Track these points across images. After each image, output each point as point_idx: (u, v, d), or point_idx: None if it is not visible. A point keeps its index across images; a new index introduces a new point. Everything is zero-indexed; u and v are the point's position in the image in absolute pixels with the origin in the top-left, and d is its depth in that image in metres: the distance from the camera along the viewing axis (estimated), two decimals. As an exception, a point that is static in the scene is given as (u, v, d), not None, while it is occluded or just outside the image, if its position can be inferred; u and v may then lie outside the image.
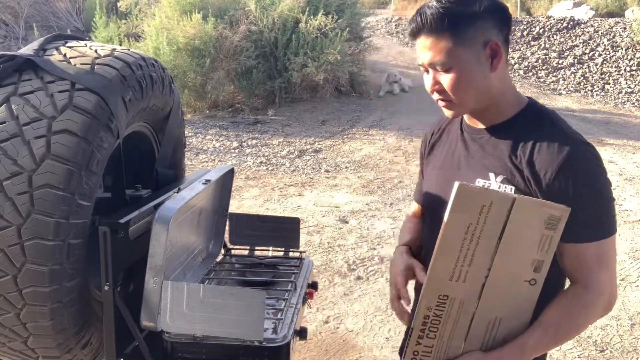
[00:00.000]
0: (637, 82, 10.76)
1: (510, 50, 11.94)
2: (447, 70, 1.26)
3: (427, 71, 1.31)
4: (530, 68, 11.66)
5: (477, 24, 1.24)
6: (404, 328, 1.70)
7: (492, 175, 1.30)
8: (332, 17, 8.44)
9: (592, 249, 1.24)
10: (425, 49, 1.27)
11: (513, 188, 1.26)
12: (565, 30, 12.37)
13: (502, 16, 1.27)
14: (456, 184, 1.19)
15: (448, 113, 1.34)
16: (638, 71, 11.02)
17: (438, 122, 1.55)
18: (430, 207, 1.46)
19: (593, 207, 1.23)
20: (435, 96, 1.32)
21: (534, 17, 13.46)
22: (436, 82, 1.29)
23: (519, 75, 11.47)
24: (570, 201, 1.20)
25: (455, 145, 1.42)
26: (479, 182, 1.30)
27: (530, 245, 1.21)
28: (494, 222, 1.19)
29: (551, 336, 1.26)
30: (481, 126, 1.36)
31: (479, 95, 1.30)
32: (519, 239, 1.20)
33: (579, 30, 12.32)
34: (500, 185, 1.27)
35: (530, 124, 1.30)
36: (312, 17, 8.39)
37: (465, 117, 1.41)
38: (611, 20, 12.57)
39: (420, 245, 1.53)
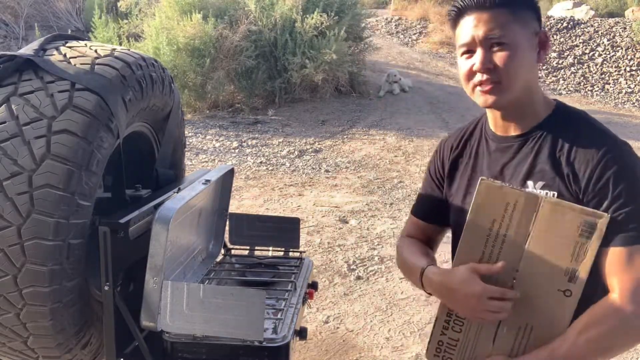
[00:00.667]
0: (637, 82, 10.76)
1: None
2: (502, 47, 1.21)
3: (473, 51, 1.24)
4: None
5: (531, 10, 1.24)
6: (403, 328, 1.69)
7: (530, 183, 1.25)
8: (331, 17, 8.43)
9: (631, 253, 1.15)
10: (480, 24, 1.22)
11: (555, 194, 1.21)
12: (565, 30, 12.36)
13: (539, 14, 1.28)
14: (480, 180, 1.17)
15: (489, 99, 1.25)
16: (638, 71, 11.02)
17: (454, 136, 1.47)
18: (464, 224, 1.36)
19: (636, 207, 1.15)
20: (477, 78, 1.24)
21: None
22: (489, 60, 1.22)
23: (519, 75, 11.46)
24: (612, 202, 1.15)
25: (482, 157, 1.36)
26: None
27: (562, 252, 1.16)
28: (520, 222, 1.16)
29: (582, 347, 1.16)
30: (512, 133, 1.31)
31: (525, 84, 1.25)
32: (548, 243, 1.16)
33: (579, 30, 12.32)
34: (540, 192, 1.22)
35: (564, 125, 1.26)
36: (308, 16, 8.39)
37: (491, 124, 1.35)
38: (611, 20, 12.57)
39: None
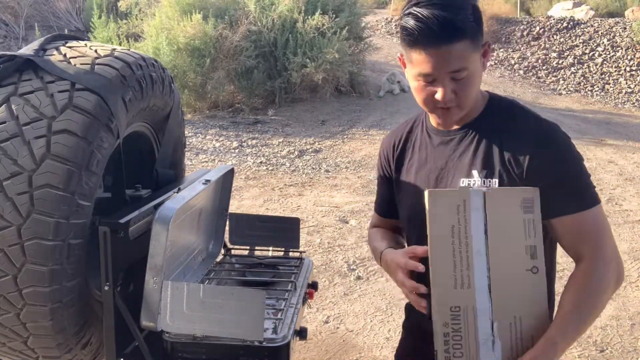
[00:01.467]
0: (637, 82, 10.76)
1: (510, 50, 11.93)
2: (463, 77, 1.25)
3: (433, 81, 1.26)
4: (530, 68, 11.66)
5: (481, 27, 1.27)
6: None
7: (475, 172, 1.31)
8: (332, 19, 8.43)
9: (588, 217, 1.27)
10: (442, 60, 1.22)
11: (496, 181, 1.28)
12: (565, 30, 12.36)
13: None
14: (426, 193, 1.21)
15: (448, 121, 1.34)
16: (638, 71, 11.02)
17: (394, 133, 1.53)
18: (417, 218, 1.38)
19: (579, 177, 1.28)
20: (440, 105, 1.28)
21: (534, 17, 13.46)
22: (453, 90, 1.26)
23: (519, 75, 11.47)
24: (555, 175, 1.25)
25: (426, 151, 1.42)
26: (464, 182, 1.31)
27: (517, 233, 1.21)
28: (475, 219, 1.20)
29: (575, 321, 1.24)
30: (454, 126, 1.37)
31: (476, 95, 1.34)
32: (504, 230, 1.21)
33: (579, 30, 12.32)
34: (484, 181, 1.29)
35: (500, 114, 1.35)
36: (309, 16, 8.39)
37: (432, 120, 1.40)
38: (611, 20, 12.57)
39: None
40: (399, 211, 1.51)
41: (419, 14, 1.21)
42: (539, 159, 1.26)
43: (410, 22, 1.22)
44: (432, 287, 1.21)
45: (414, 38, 1.22)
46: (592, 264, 1.26)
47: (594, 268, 1.26)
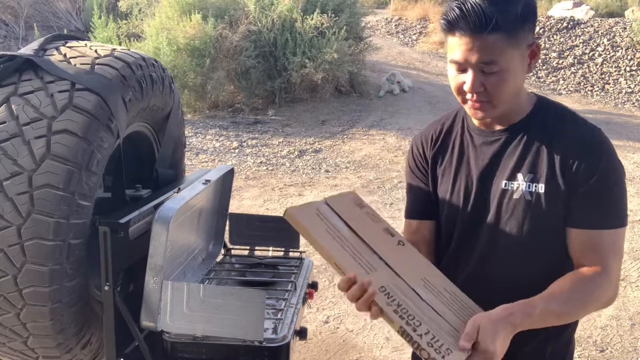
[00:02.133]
0: (637, 82, 10.76)
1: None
2: (494, 72, 1.22)
3: (464, 70, 1.24)
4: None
5: (527, 25, 1.22)
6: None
7: (520, 175, 1.29)
8: (332, 18, 8.43)
9: (609, 236, 1.25)
10: (473, 49, 1.20)
11: (543, 186, 1.27)
12: (565, 30, 12.36)
13: (536, 18, 1.28)
14: (285, 213, 1.28)
15: (479, 114, 1.28)
16: (638, 71, 11.02)
17: (428, 130, 1.47)
18: (458, 224, 1.38)
19: (614, 194, 1.25)
20: (468, 97, 1.26)
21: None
22: (480, 84, 1.23)
23: (519, 75, 11.45)
24: (589, 185, 1.24)
25: (467, 151, 1.37)
26: (507, 185, 1.30)
27: (369, 223, 1.34)
28: (334, 220, 1.30)
29: (560, 303, 1.22)
30: (497, 127, 1.33)
31: (514, 96, 1.28)
32: (359, 223, 1.31)
33: (579, 30, 12.32)
34: (529, 185, 1.28)
35: (550, 118, 1.31)
36: (308, 16, 8.39)
37: (473, 118, 1.36)
38: (611, 20, 12.57)
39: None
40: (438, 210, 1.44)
41: (460, 1, 1.21)
42: (586, 166, 1.25)
43: (451, 7, 1.23)
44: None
45: (449, 23, 1.23)
46: (598, 272, 1.24)
47: (599, 276, 1.24)
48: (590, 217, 1.25)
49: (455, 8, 1.20)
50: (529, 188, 1.27)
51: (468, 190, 1.36)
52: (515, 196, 1.29)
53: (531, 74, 11.37)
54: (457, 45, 1.22)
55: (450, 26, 1.22)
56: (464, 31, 1.20)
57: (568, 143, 1.26)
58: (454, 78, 1.28)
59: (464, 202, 1.37)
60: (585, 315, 1.33)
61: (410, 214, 1.50)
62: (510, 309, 1.17)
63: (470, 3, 1.19)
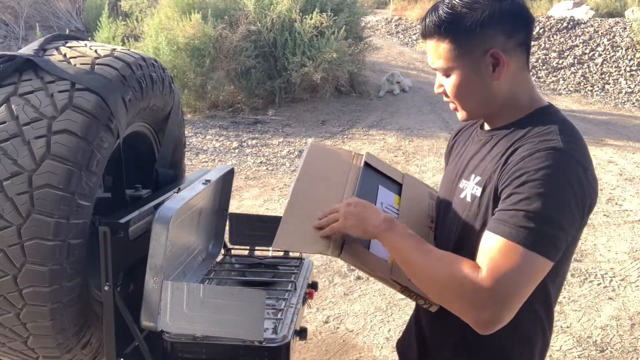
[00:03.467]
0: (637, 82, 10.76)
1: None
2: (447, 75, 1.28)
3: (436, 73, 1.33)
4: (530, 68, 11.66)
5: (480, 32, 1.21)
6: (403, 328, 1.70)
7: (472, 176, 1.31)
8: (330, 17, 8.43)
9: (505, 246, 1.12)
10: (430, 52, 1.29)
11: (480, 189, 1.25)
12: (565, 30, 12.36)
13: (514, 22, 1.23)
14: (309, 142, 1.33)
15: (458, 116, 1.34)
16: (638, 71, 11.02)
17: (461, 125, 1.54)
18: (438, 213, 1.49)
19: (533, 211, 1.11)
20: (445, 99, 1.33)
21: (534, 17, 13.46)
22: (440, 85, 1.31)
23: (519, 75, 11.46)
24: (512, 194, 1.14)
25: (467, 147, 1.43)
26: (463, 183, 1.33)
27: (424, 206, 1.53)
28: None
29: (419, 255, 1.18)
30: (487, 128, 1.37)
31: (482, 102, 1.28)
32: (415, 201, 1.55)
33: (579, 30, 12.32)
34: (473, 187, 1.28)
35: (524, 127, 1.25)
36: (307, 16, 8.39)
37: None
38: (611, 20, 12.57)
39: None
40: None
41: (433, 6, 1.28)
42: (518, 175, 1.15)
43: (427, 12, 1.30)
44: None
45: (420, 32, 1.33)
46: (473, 266, 1.14)
47: (471, 269, 1.13)
48: (493, 220, 1.16)
49: (424, 15, 1.29)
50: (472, 190, 1.28)
51: (445, 184, 1.44)
52: (462, 195, 1.32)
53: (531, 74, 11.37)
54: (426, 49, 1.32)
55: (420, 30, 1.33)
56: (423, 35, 1.29)
57: (522, 154, 1.17)
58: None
59: (442, 194, 1.45)
60: (433, 296, 1.20)
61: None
62: (381, 215, 1.25)
63: (433, 10, 1.26)
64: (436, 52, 1.26)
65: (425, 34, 1.28)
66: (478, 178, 1.27)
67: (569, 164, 1.15)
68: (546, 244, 1.11)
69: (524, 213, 1.11)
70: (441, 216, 1.45)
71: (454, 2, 1.23)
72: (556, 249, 1.13)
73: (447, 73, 1.27)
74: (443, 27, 1.23)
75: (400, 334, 1.68)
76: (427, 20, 1.26)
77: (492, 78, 1.24)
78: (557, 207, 1.12)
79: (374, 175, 1.57)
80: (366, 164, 1.57)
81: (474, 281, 1.11)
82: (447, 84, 1.28)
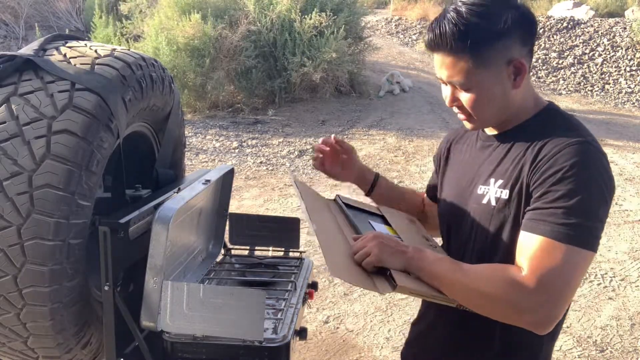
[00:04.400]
0: (637, 82, 10.76)
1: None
2: (466, 90, 1.23)
3: (446, 84, 1.27)
4: (530, 68, 11.66)
5: (500, 43, 1.18)
6: (403, 328, 1.70)
7: (492, 180, 1.27)
8: (330, 17, 8.43)
9: (544, 244, 1.11)
10: (443, 66, 1.22)
11: (507, 192, 1.23)
12: (565, 30, 12.36)
13: (526, 28, 1.21)
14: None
15: (468, 126, 1.32)
16: (638, 71, 11.02)
17: (458, 128, 1.53)
18: (447, 221, 1.45)
19: (569, 207, 1.11)
20: (455, 109, 1.30)
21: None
22: (455, 99, 1.26)
23: (519, 75, 11.45)
24: (546, 192, 1.14)
25: (470, 152, 1.40)
26: (482, 189, 1.29)
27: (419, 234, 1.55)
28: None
29: (459, 275, 1.16)
30: (493, 132, 1.34)
31: (499, 111, 1.27)
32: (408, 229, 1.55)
33: (579, 30, 12.32)
34: (496, 190, 1.25)
35: (538, 127, 1.25)
36: (307, 16, 8.38)
37: None
38: (611, 20, 12.57)
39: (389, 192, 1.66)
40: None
41: (440, 16, 1.23)
42: (549, 174, 1.15)
43: (431, 25, 1.25)
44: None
45: (427, 39, 1.26)
46: (516, 270, 1.12)
47: (514, 273, 1.12)
48: (528, 220, 1.15)
49: (432, 26, 1.23)
50: (495, 194, 1.25)
51: (454, 191, 1.41)
52: (484, 201, 1.28)
53: (531, 74, 11.37)
54: (435, 61, 1.26)
55: (427, 42, 1.26)
56: (432, 49, 1.23)
57: (544, 153, 1.18)
58: (442, 90, 1.32)
59: (450, 201, 1.41)
60: (485, 311, 1.17)
61: (427, 191, 1.67)
62: (410, 247, 1.24)
63: (441, 22, 1.20)
64: (452, 67, 1.20)
65: (435, 46, 1.21)
66: (500, 181, 1.25)
67: (596, 156, 1.16)
68: (588, 236, 1.12)
69: (563, 210, 1.11)
70: (454, 227, 1.40)
71: (465, 11, 1.17)
72: (597, 239, 1.14)
73: (465, 87, 1.22)
74: (458, 40, 1.17)
75: (404, 345, 1.65)
76: (437, 32, 1.19)
77: (512, 87, 1.22)
78: (593, 199, 1.13)
79: (359, 213, 1.57)
80: (346, 204, 1.59)
81: (521, 285, 1.10)
82: (466, 98, 1.23)
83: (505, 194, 1.23)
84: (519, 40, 1.20)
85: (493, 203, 1.26)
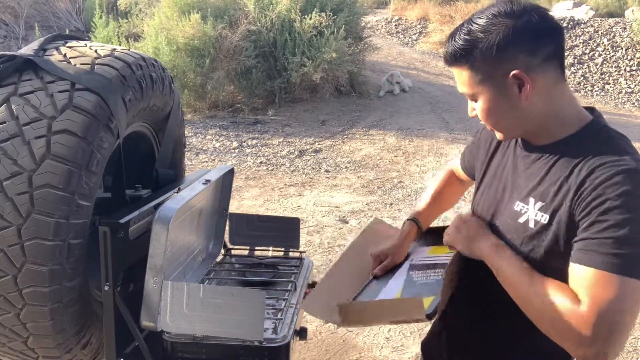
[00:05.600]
0: (637, 82, 10.76)
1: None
2: (475, 100, 1.26)
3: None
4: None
5: (494, 55, 1.17)
6: (404, 328, 1.70)
7: (531, 200, 1.23)
8: (330, 17, 8.43)
9: (592, 275, 1.09)
10: (457, 79, 1.27)
11: (547, 217, 1.19)
12: (565, 30, 12.36)
13: (535, 38, 1.18)
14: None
15: (497, 136, 1.31)
16: (638, 71, 11.02)
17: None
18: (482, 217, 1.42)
19: (617, 236, 1.08)
20: (481, 121, 1.31)
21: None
22: (472, 109, 1.29)
23: (519, 75, 11.46)
24: (592, 223, 1.10)
25: (509, 158, 1.36)
26: (518, 206, 1.26)
27: None
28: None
29: (525, 278, 1.16)
30: (536, 142, 1.28)
31: (516, 123, 1.24)
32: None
33: (579, 30, 12.32)
34: (536, 213, 1.21)
35: (583, 146, 1.19)
36: (306, 16, 8.39)
37: None
38: (611, 20, 12.57)
39: (429, 218, 1.66)
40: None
41: (454, 34, 1.26)
42: (595, 204, 1.11)
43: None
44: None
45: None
46: (575, 298, 1.10)
47: (573, 300, 1.10)
48: (578, 251, 1.12)
49: (447, 39, 1.27)
50: (535, 216, 1.21)
51: (488, 195, 1.38)
52: (521, 220, 1.24)
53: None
54: None
55: (443, 57, 1.31)
56: (446, 63, 1.28)
57: (597, 180, 1.12)
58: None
59: (484, 206, 1.38)
60: (534, 319, 1.17)
61: (462, 157, 1.66)
62: (492, 238, 1.26)
63: (452, 37, 1.25)
64: (459, 78, 1.25)
65: (447, 62, 1.26)
66: (540, 203, 1.21)
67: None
68: (634, 266, 1.08)
69: (613, 240, 1.08)
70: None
71: (471, 26, 1.20)
72: None
73: (473, 98, 1.26)
74: (459, 54, 1.21)
75: (426, 334, 1.65)
76: (447, 47, 1.24)
77: (520, 99, 1.20)
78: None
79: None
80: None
81: (577, 316, 1.09)
82: (477, 108, 1.26)
83: (544, 219, 1.19)
84: (523, 51, 1.18)
85: (531, 225, 1.22)
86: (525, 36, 1.17)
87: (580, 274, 1.11)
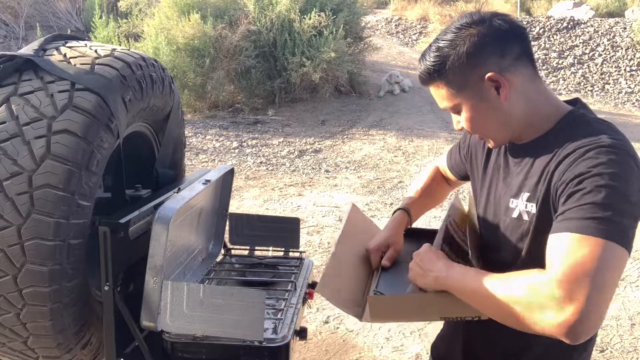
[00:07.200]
0: (637, 82, 10.76)
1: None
2: (458, 112, 1.28)
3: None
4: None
5: (465, 64, 1.20)
6: (403, 328, 1.70)
7: (521, 194, 1.26)
8: (329, 17, 8.43)
9: (567, 240, 1.05)
10: (435, 97, 1.30)
11: (533, 205, 1.21)
12: (565, 30, 12.36)
13: (500, 40, 1.20)
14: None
15: (489, 144, 1.34)
16: (638, 71, 11.02)
17: None
18: (480, 228, 1.45)
19: (593, 200, 1.06)
20: (469, 133, 1.34)
21: (534, 17, 13.46)
22: (457, 122, 1.31)
23: (518, 75, 11.46)
24: (569, 197, 1.10)
25: (500, 161, 1.38)
26: (512, 202, 1.28)
27: None
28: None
29: (481, 281, 1.13)
30: (520, 142, 1.31)
31: (502, 126, 1.26)
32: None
33: (579, 30, 12.32)
34: (525, 204, 1.24)
35: (560, 136, 1.21)
36: (306, 16, 8.39)
37: None
38: (611, 20, 12.57)
39: (419, 210, 1.69)
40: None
41: (424, 52, 1.30)
42: (563, 183, 1.13)
43: None
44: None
45: None
46: (538, 272, 1.08)
47: (536, 275, 1.07)
48: (555, 223, 1.11)
49: (419, 60, 1.31)
50: (526, 207, 1.24)
51: (491, 200, 1.38)
52: (514, 215, 1.27)
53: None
54: None
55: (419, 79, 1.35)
56: (422, 84, 1.31)
57: (573, 158, 1.14)
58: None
59: (487, 210, 1.40)
60: (513, 323, 1.10)
61: (448, 156, 1.68)
62: (438, 264, 1.25)
63: (422, 58, 1.29)
64: (438, 95, 1.28)
65: (422, 82, 1.30)
66: (527, 194, 1.24)
67: (623, 158, 1.11)
68: (619, 231, 1.04)
69: (589, 205, 1.06)
70: (485, 239, 1.39)
71: (438, 44, 1.24)
72: (628, 238, 1.06)
73: (456, 111, 1.28)
74: (432, 72, 1.24)
75: (435, 337, 1.67)
76: (420, 68, 1.28)
77: (500, 100, 1.22)
78: (621, 197, 1.07)
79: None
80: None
81: (544, 282, 1.04)
82: (462, 119, 1.28)
83: (533, 208, 1.22)
84: (492, 54, 1.20)
85: (525, 217, 1.24)
86: (491, 40, 1.20)
87: (554, 244, 1.08)
